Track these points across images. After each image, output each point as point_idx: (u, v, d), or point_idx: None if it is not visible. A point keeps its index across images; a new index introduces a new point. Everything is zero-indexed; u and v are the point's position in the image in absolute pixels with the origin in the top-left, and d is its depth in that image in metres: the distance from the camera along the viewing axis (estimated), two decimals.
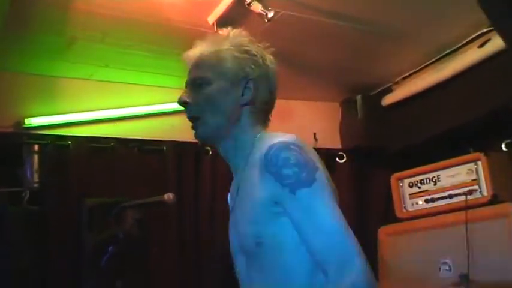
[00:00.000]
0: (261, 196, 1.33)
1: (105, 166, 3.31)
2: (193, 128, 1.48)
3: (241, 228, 1.41)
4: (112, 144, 3.38)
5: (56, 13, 2.66)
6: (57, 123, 3.27)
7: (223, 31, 1.54)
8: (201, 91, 1.46)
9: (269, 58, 1.51)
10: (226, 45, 1.47)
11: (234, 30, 1.53)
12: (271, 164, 1.31)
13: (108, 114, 3.43)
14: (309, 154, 1.35)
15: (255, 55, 1.48)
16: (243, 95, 1.46)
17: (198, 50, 1.50)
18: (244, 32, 1.53)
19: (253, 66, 1.46)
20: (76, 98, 3.36)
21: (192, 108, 1.47)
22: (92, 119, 3.38)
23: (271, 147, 1.33)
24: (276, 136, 1.39)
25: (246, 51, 1.47)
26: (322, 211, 1.28)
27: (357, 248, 1.25)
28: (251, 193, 1.37)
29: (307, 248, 1.28)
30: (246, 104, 1.46)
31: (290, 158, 1.31)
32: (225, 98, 1.45)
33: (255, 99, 1.47)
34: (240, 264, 1.45)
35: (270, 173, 1.31)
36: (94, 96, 3.42)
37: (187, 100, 1.47)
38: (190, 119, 1.48)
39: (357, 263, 1.23)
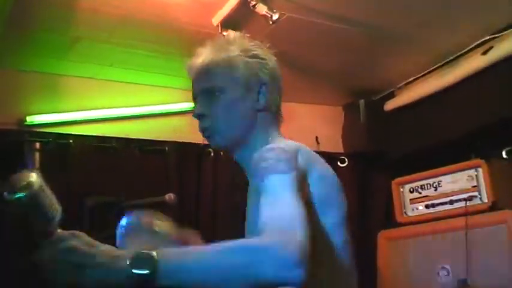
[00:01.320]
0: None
1: (106, 165, 3.32)
2: (207, 137, 1.43)
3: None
4: (114, 143, 3.38)
5: (60, 11, 2.68)
6: (59, 121, 3.28)
7: (226, 34, 1.50)
8: (215, 101, 1.41)
9: (273, 59, 1.49)
10: (235, 51, 1.43)
11: (237, 34, 1.50)
12: (254, 163, 1.23)
13: (111, 113, 3.43)
14: (296, 159, 1.23)
15: (265, 59, 1.45)
16: (258, 100, 1.43)
17: (204, 58, 1.44)
18: (247, 35, 1.49)
19: (264, 70, 1.44)
20: (79, 97, 3.37)
21: (208, 120, 1.41)
22: (94, 117, 3.39)
23: (259, 151, 1.25)
24: (282, 142, 1.35)
25: (256, 56, 1.44)
26: (284, 196, 1.12)
27: (304, 233, 1.04)
28: (253, 202, 1.34)
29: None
30: (261, 110, 1.43)
31: (271, 154, 1.22)
32: (241, 106, 1.41)
33: (270, 103, 1.44)
34: None
35: (255, 175, 1.23)
36: (97, 95, 3.43)
37: (204, 112, 1.41)
38: (205, 129, 1.42)
39: (298, 236, 1.02)
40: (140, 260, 0.97)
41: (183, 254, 1.03)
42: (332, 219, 1.30)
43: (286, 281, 0.98)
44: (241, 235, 1.44)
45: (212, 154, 3.55)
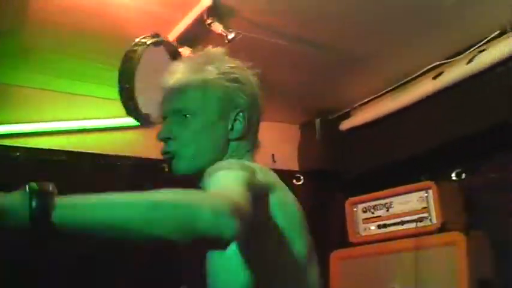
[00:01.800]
0: None
1: (56, 180, 3.22)
2: (168, 162, 1.33)
3: None
4: (64, 157, 3.30)
5: (11, 18, 2.61)
6: (7, 133, 3.15)
7: (206, 49, 1.37)
8: (184, 124, 1.31)
9: (255, 81, 1.39)
10: (212, 73, 1.32)
11: (218, 51, 1.38)
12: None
13: (63, 126, 3.34)
14: (254, 172, 1.16)
15: (245, 83, 1.35)
16: (232, 128, 1.33)
17: (179, 76, 1.33)
18: (226, 53, 1.39)
19: (243, 96, 1.33)
20: (29, 108, 3.27)
21: (174, 143, 1.31)
22: (45, 130, 3.28)
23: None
24: None
25: (235, 80, 1.33)
26: (229, 183, 1.06)
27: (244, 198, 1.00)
28: None
29: None
30: (235, 139, 1.33)
31: (223, 162, 1.18)
32: (212, 133, 1.31)
33: (246, 131, 1.34)
34: None
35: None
36: (49, 106, 3.33)
37: (171, 135, 1.31)
38: (168, 153, 1.32)
39: (236, 198, 0.98)
40: (33, 189, 0.82)
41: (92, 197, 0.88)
42: (295, 252, 1.20)
43: (222, 228, 0.90)
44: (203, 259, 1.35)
45: (166, 170, 3.50)
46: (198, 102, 1.31)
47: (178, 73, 1.33)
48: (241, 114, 1.33)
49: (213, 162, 1.26)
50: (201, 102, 1.31)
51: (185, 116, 1.31)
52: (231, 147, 1.33)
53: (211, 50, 1.39)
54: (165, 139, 1.32)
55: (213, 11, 2.46)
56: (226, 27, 2.50)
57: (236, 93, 1.33)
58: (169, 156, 1.32)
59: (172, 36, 2.72)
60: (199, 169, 1.29)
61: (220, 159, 1.30)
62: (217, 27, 2.47)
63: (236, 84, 1.33)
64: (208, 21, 2.47)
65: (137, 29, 2.71)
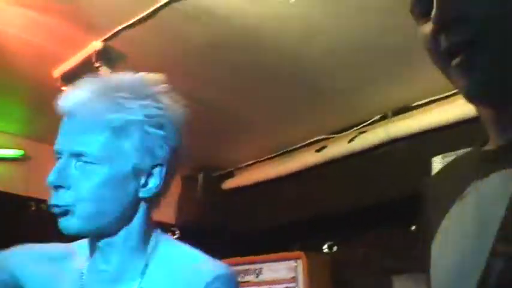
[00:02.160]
0: None
1: None
2: (59, 216, 1.02)
3: None
4: None
5: None
6: None
7: (133, 74, 1.08)
8: (85, 172, 1.01)
9: (183, 127, 1.11)
10: (136, 113, 1.02)
11: (151, 81, 1.09)
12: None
13: None
14: None
15: (170, 132, 1.06)
16: (145, 185, 1.06)
17: (91, 106, 1.01)
18: (162, 83, 1.09)
19: (165, 147, 1.05)
20: None
21: (68, 195, 1.01)
22: None
23: (217, 278, 1.06)
24: (195, 253, 1.18)
25: (161, 126, 1.04)
26: None
27: None
28: None
29: None
30: (146, 198, 1.07)
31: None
32: (120, 189, 1.03)
33: (161, 189, 1.08)
34: None
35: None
36: None
37: (63, 184, 1.00)
38: (58, 206, 1.01)
39: None
40: None
41: None
42: None
43: None
44: None
45: (34, 208, 3.27)
46: (108, 149, 1.01)
47: (88, 101, 1.01)
48: (158, 169, 1.06)
49: (115, 224, 1.05)
50: (112, 150, 1.02)
51: (88, 162, 1.01)
52: (141, 207, 1.07)
53: (146, 77, 1.10)
54: (56, 188, 1.01)
55: (103, 55, 2.38)
56: (114, 73, 2.42)
57: (158, 142, 1.04)
58: (59, 211, 1.02)
59: (57, 72, 2.60)
60: (97, 231, 1.05)
61: (125, 223, 1.06)
62: (105, 71, 2.39)
63: (160, 132, 1.04)
64: (97, 64, 2.38)
65: (23, 61, 2.58)
